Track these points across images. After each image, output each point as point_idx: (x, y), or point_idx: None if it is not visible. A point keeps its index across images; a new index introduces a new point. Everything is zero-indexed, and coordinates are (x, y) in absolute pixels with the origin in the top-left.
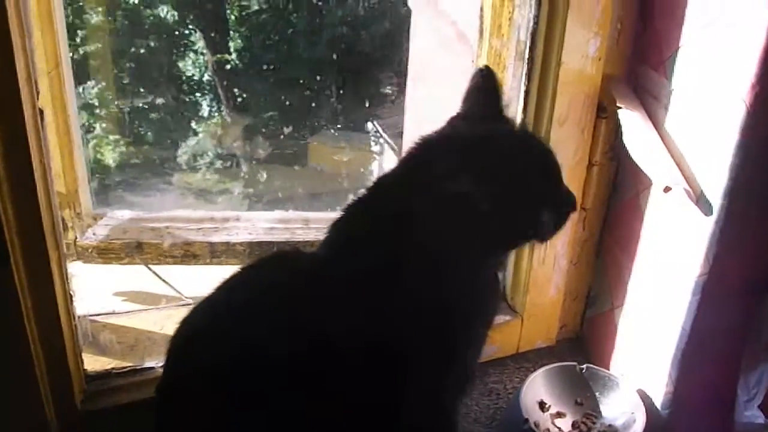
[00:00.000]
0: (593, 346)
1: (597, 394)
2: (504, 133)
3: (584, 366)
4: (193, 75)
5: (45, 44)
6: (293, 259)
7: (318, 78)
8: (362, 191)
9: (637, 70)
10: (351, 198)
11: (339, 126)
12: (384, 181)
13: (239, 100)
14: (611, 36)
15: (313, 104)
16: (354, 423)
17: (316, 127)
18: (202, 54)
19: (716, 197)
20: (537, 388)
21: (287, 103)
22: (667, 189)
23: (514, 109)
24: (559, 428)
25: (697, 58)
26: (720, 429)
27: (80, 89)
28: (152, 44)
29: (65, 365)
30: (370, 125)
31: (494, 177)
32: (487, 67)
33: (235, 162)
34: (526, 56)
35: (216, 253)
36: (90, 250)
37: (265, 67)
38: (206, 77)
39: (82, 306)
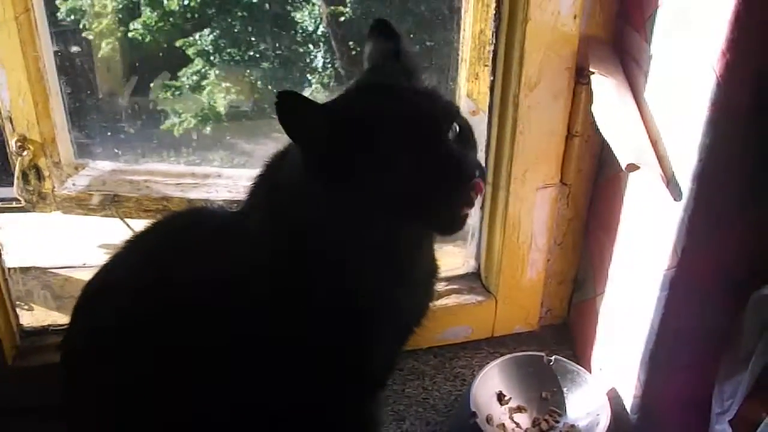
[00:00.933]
0: (578, 335)
1: (564, 389)
2: (370, 84)
3: (552, 357)
4: (308, 26)
5: None
6: (204, 214)
7: (430, 34)
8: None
9: (623, 31)
10: None
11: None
12: None
13: (353, 53)
14: None
15: (425, 60)
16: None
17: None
18: (317, 5)
19: (686, 180)
20: (495, 378)
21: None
22: (630, 167)
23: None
24: (518, 424)
25: (673, 17)
26: None
27: (196, 36)
28: None
29: None
30: None
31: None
32: (378, 20)
33: None
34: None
35: None
36: (69, 201)
37: None
38: (321, 29)
39: (54, 258)
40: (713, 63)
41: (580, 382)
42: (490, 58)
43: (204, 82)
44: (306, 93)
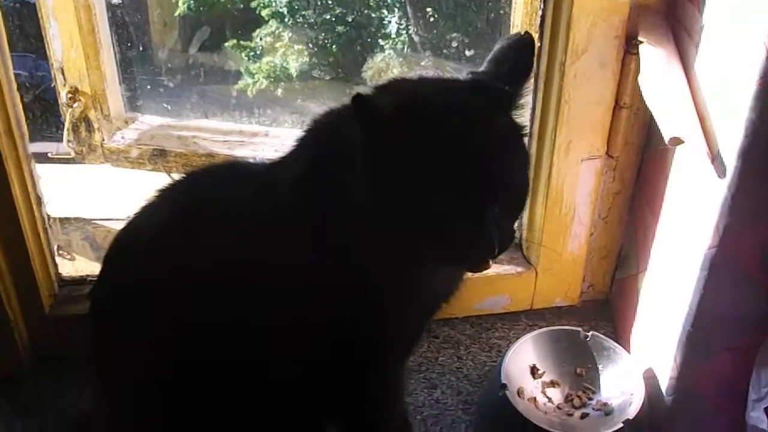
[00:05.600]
0: (618, 312)
1: (600, 366)
2: (455, 104)
3: (589, 333)
4: None
5: None
6: (239, 168)
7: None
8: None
9: (676, 0)
10: None
11: None
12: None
13: (431, 19)
14: None
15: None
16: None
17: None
18: None
19: (731, 157)
20: (529, 351)
21: (473, 25)
22: (674, 141)
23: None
24: (549, 398)
25: None
26: (728, 429)
27: None
28: None
29: (29, 269)
30: None
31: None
32: (527, 33)
33: None
34: None
35: None
36: (117, 154)
37: None
38: None
39: (99, 210)
40: (764, 37)
41: (615, 359)
42: (538, 24)
43: (278, 44)
44: (378, 59)
